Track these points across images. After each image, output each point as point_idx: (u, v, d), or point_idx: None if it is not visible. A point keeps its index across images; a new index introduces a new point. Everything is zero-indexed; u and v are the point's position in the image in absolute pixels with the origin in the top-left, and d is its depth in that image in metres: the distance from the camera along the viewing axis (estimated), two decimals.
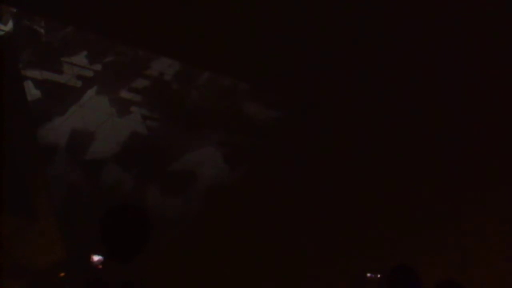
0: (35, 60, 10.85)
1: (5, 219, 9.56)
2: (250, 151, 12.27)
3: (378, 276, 9.00)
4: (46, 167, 10.76)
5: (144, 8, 9.59)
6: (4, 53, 10.17)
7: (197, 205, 11.99)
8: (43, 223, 10.43)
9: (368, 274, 9.14)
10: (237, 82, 12.03)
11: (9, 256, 9.33)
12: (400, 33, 9.86)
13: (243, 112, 12.23)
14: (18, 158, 10.09)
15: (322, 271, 10.54)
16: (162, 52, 11.46)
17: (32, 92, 10.84)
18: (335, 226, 10.51)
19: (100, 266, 8.56)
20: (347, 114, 10.98)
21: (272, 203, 10.91)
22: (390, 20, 9.71)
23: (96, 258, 8.83)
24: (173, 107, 12.01)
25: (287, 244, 10.57)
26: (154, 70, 11.80)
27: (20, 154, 10.17)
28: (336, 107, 11.11)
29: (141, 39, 10.66)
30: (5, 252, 9.11)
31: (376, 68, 10.36)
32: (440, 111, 10.32)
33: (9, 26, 10.36)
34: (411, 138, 10.48)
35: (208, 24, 10.03)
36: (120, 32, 10.50)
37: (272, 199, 10.94)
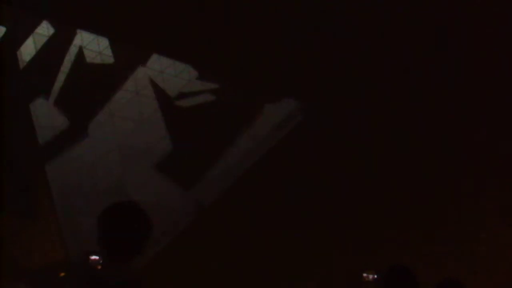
0: (35, 61, 10.86)
1: (5, 219, 9.56)
2: (249, 151, 12.28)
3: (375, 276, 9.01)
4: (46, 167, 10.77)
5: (144, 8, 9.61)
6: (4, 53, 10.18)
7: (197, 205, 12.00)
8: (43, 223, 10.44)
9: (365, 274, 9.15)
10: (239, 82, 12.05)
11: (9, 256, 9.34)
12: (401, 34, 9.87)
13: (244, 112, 12.24)
14: (18, 158, 10.10)
15: (319, 271, 10.56)
16: (162, 52, 11.49)
17: (33, 93, 10.85)
18: (332, 226, 10.51)
19: (99, 266, 8.57)
20: (348, 115, 10.99)
21: (269, 204, 10.92)
22: (391, 21, 9.73)
23: (95, 258, 8.83)
24: (172, 107, 12.02)
25: (284, 244, 10.58)
26: (154, 69, 11.81)
27: (20, 154, 10.17)
28: (336, 108, 11.13)
29: (141, 39, 10.67)
30: (5, 252, 9.11)
31: (377, 68, 10.38)
32: (441, 110, 10.32)
33: (10, 26, 10.37)
34: (410, 138, 10.49)
35: (209, 25, 10.04)
36: (120, 31, 10.52)
37: (269, 200, 10.95)
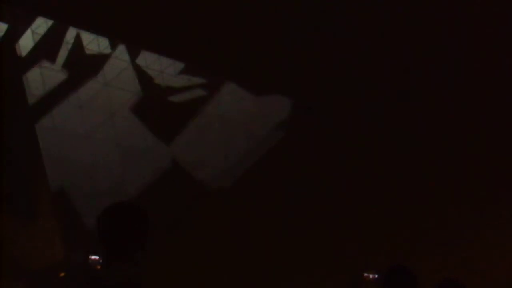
0: (35, 61, 10.86)
1: (5, 219, 9.56)
2: (249, 151, 12.28)
3: (375, 276, 9.02)
4: (46, 167, 10.77)
5: (144, 8, 9.61)
6: (4, 53, 10.18)
7: (197, 205, 11.99)
8: (43, 223, 10.44)
9: (365, 274, 9.16)
10: (239, 82, 12.06)
11: (9, 256, 9.34)
12: (401, 34, 9.87)
13: (243, 113, 12.25)
14: (18, 158, 10.10)
15: (320, 271, 10.55)
16: (162, 52, 11.49)
17: (32, 92, 10.86)
18: (333, 226, 10.51)
19: (99, 266, 8.57)
20: (348, 115, 10.99)
21: (270, 204, 10.92)
22: (391, 21, 9.73)
23: (95, 258, 8.84)
24: (172, 107, 12.03)
25: (285, 243, 10.58)
26: (154, 69, 11.81)
27: (20, 154, 10.18)
28: (336, 108, 11.13)
29: (142, 39, 10.67)
30: (5, 252, 9.11)
31: (377, 68, 10.38)
32: (441, 110, 10.33)
33: (10, 25, 10.37)
34: (410, 138, 10.49)
35: (208, 25, 10.04)
36: (120, 32, 10.52)
37: (270, 200, 10.95)
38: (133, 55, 11.52)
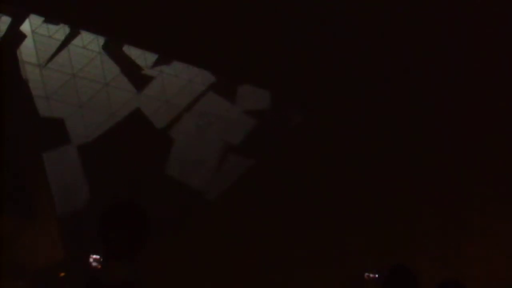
0: (35, 60, 10.86)
1: (5, 219, 9.56)
2: (249, 152, 12.28)
3: (376, 276, 9.02)
4: (46, 167, 10.77)
5: (144, 8, 9.61)
6: (4, 53, 10.18)
7: (197, 205, 12.00)
8: (43, 223, 10.44)
9: (366, 274, 9.16)
10: (239, 82, 12.06)
11: (9, 256, 9.34)
12: (401, 34, 9.88)
13: (243, 113, 12.25)
14: (18, 158, 10.10)
15: (321, 271, 10.56)
16: (163, 52, 11.49)
17: (33, 92, 10.86)
18: (334, 226, 10.51)
19: (100, 266, 8.57)
20: (347, 115, 10.99)
21: (270, 204, 10.92)
22: (391, 21, 9.73)
23: (95, 258, 8.84)
24: (172, 106, 12.03)
25: (285, 244, 10.58)
26: (154, 69, 11.81)
27: (20, 154, 10.17)
28: (336, 108, 11.13)
29: (142, 39, 10.68)
30: (5, 252, 9.11)
31: (377, 68, 10.39)
32: (441, 110, 10.33)
33: (10, 26, 10.37)
34: (410, 138, 10.50)
35: (208, 24, 10.05)
36: (120, 32, 10.52)
37: (270, 200, 10.95)
38: (133, 54, 11.50)
